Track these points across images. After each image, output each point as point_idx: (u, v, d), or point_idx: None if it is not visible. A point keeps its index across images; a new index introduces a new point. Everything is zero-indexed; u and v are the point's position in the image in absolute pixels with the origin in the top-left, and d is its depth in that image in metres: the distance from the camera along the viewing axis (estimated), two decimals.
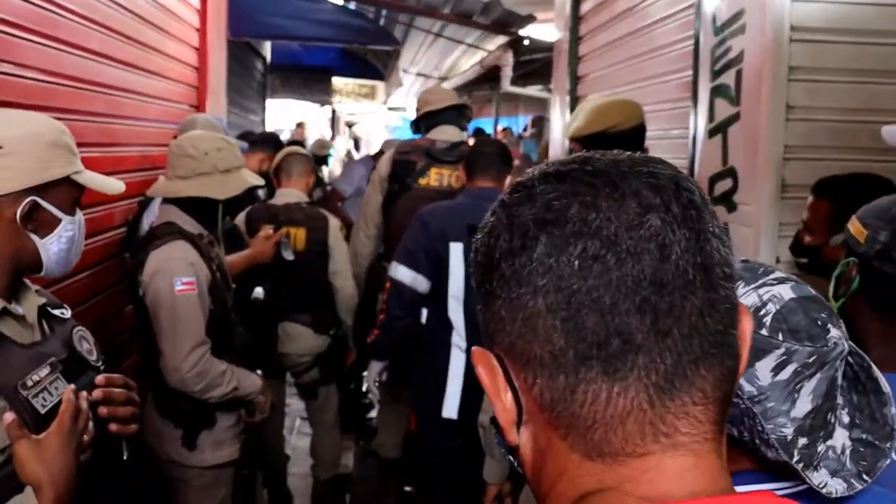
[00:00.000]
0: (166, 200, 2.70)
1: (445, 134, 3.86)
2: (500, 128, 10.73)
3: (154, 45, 3.90)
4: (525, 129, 12.30)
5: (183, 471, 2.65)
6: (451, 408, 3.13)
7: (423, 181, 3.76)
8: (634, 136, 2.43)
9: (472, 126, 12.69)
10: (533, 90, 7.71)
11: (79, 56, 2.91)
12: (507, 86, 6.65)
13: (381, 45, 7.49)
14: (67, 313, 1.60)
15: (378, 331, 3.25)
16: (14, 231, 1.44)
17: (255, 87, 7.98)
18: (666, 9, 3.25)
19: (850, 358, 1.06)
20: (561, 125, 4.95)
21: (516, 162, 8.77)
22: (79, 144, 1.57)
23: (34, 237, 1.46)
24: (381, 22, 8.03)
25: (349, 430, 4.97)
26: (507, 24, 5.91)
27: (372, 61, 10.84)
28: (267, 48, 8.65)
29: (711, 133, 2.75)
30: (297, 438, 5.44)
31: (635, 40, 3.63)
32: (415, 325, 3.22)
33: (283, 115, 12.26)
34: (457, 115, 4.00)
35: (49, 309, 1.56)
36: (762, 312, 1.01)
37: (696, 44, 2.87)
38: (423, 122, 3.99)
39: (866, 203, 1.89)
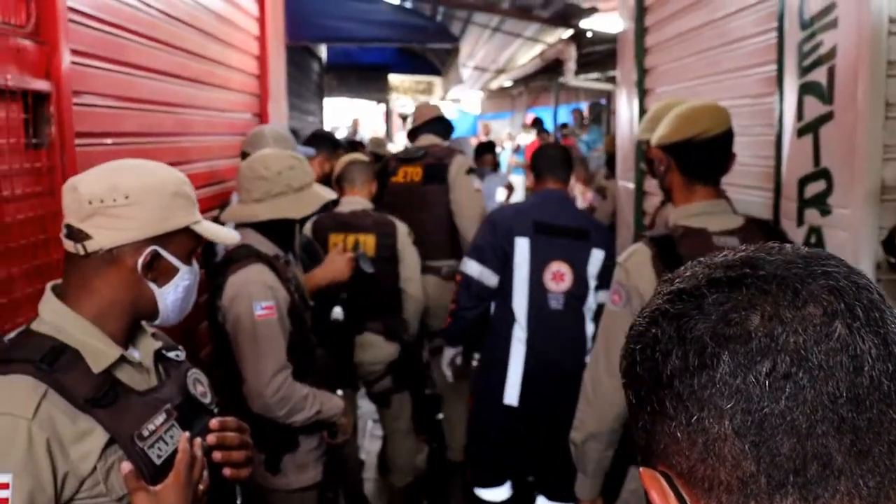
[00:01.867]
0: (241, 223, 2.68)
1: (425, 141, 4.72)
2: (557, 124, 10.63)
3: (217, 58, 3.89)
4: (576, 112, 12.13)
5: (267, 495, 2.63)
6: (511, 396, 3.29)
7: (393, 178, 4.60)
8: (724, 142, 2.32)
9: (530, 115, 12.65)
10: (592, 80, 7.57)
11: (146, 77, 2.91)
12: (570, 79, 6.52)
13: (439, 42, 7.41)
14: (182, 355, 1.61)
15: (450, 318, 3.55)
16: (135, 280, 1.44)
17: (312, 88, 7.98)
18: (743, 0, 3.11)
19: None
20: (628, 117, 4.82)
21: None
22: None
23: (153, 286, 1.47)
24: (439, 18, 7.95)
25: (421, 431, 4.95)
26: (568, 16, 5.79)
27: (429, 58, 10.77)
28: (322, 49, 8.64)
29: (801, 132, 2.62)
30: (370, 442, 5.44)
31: (708, 32, 3.49)
32: (485, 316, 3.49)
33: (338, 113, 12.32)
34: (440, 124, 4.83)
35: (165, 352, 1.57)
36: None
37: (781, 37, 2.74)
38: (414, 132, 4.84)
39: None
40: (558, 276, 3.30)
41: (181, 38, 3.29)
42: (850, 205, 2.36)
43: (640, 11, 4.49)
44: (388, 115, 15.47)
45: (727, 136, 2.30)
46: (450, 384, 4.17)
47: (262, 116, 4.92)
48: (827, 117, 2.46)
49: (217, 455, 1.49)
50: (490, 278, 3.35)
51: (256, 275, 2.51)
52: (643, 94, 4.57)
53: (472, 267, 3.39)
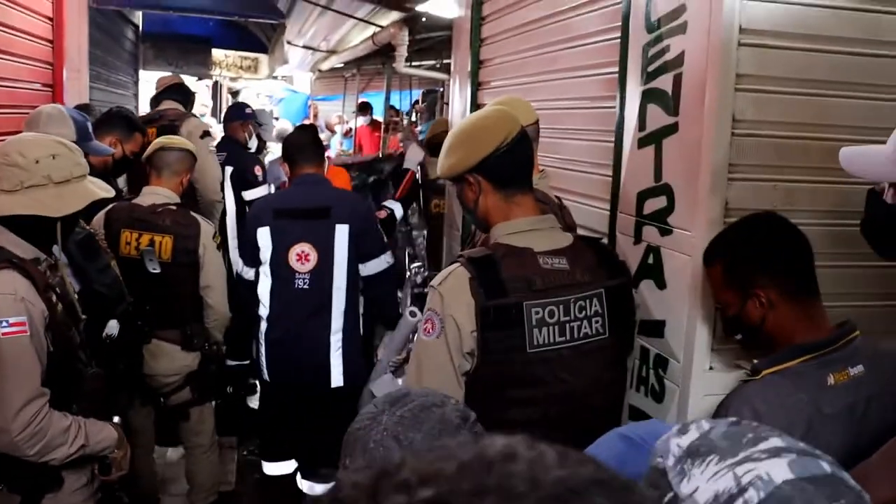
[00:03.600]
0: None
1: (164, 106, 5.08)
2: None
3: None
4: (416, 104, 11.90)
5: None
6: (265, 371, 3.51)
7: None
8: (527, 139, 2.09)
9: (359, 100, 12.29)
10: (425, 68, 7.31)
11: None
12: (401, 67, 6.20)
13: (264, 17, 6.94)
14: None
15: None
16: None
17: (125, 58, 7.25)
18: None
19: None
20: (461, 109, 4.58)
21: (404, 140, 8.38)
22: None
23: None
24: None
25: (228, 435, 4.56)
26: None
27: (255, 31, 10.17)
28: (138, 15, 7.90)
29: (642, 143, 2.43)
30: (173, 451, 4.95)
31: (549, 26, 3.28)
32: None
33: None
34: (179, 92, 5.23)
35: None
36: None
37: (625, 38, 2.54)
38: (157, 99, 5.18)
39: (752, 245, 1.84)
40: (302, 257, 3.40)
41: None
42: (692, 226, 2.19)
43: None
44: (216, 90, 14.66)
45: (525, 135, 2.07)
46: None
47: (55, 87, 4.31)
48: (671, 129, 2.27)
49: None
50: (249, 273, 3.52)
51: (3, 285, 2.05)
52: (477, 86, 4.33)
53: (238, 264, 3.60)
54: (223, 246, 3.72)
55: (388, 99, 10.15)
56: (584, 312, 1.95)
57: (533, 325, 1.89)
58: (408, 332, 3.24)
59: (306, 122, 11.85)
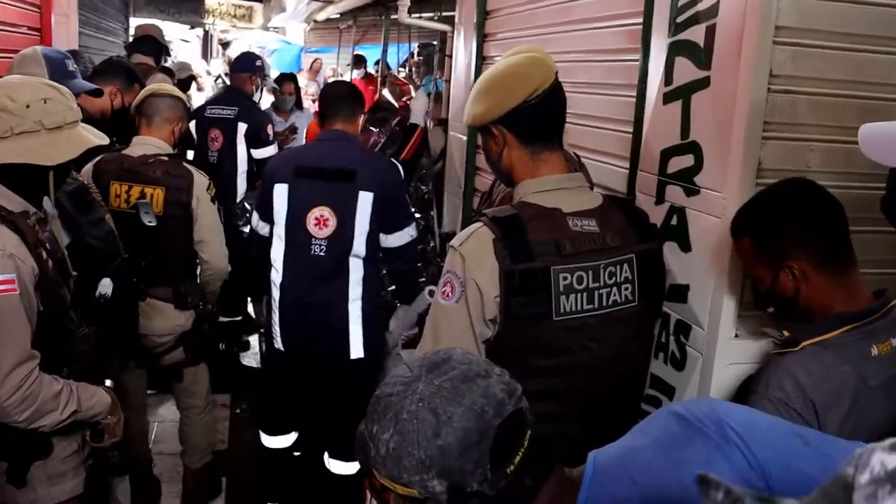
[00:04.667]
0: None
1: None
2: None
3: None
4: (411, 57, 11.63)
5: None
6: (277, 339, 3.29)
7: None
8: (558, 93, 1.93)
9: (358, 52, 12.02)
10: (426, 19, 7.11)
11: None
12: (404, 16, 6.01)
13: None
14: None
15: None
16: None
17: (115, 4, 7.02)
18: None
19: None
20: (465, 62, 4.43)
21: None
22: None
23: None
24: None
25: (221, 392, 4.48)
26: None
27: None
28: None
29: (668, 98, 2.31)
30: (165, 408, 4.87)
31: None
32: None
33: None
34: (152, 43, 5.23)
35: None
36: None
37: None
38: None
39: (781, 217, 1.74)
40: (321, 222, 3.17)
41: None
42: (723, 187, 2.07)
43: None
44: (206, 39, 14.35)
45: (558, 87, 1.93)
46: None
47: (43, 31, 4.13)
48: (701, 83, 2.15)
49: None
50: (265, 228, 3.29)
51: None
52: (483, 38, 4.18)
53: (254, 217, 3.37)
54: (218, 198, 3.55)
55: (385, 52, 9.92)
56: (613, 279, 1.84)
57: (560, 291, 1.77)
58: (424, 308, 3.13)
59: (299, 75, 11.59)
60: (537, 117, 1.88)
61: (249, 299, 3.64)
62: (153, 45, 5.18)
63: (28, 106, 1.98)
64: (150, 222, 3.11)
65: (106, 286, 2.64)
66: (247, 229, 3.78)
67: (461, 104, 4.47)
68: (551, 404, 1.83)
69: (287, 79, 6.72)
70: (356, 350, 3.24)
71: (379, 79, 10.24)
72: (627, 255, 1.86)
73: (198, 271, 3.55)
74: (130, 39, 7.53)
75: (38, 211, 2.11)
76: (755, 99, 1.98)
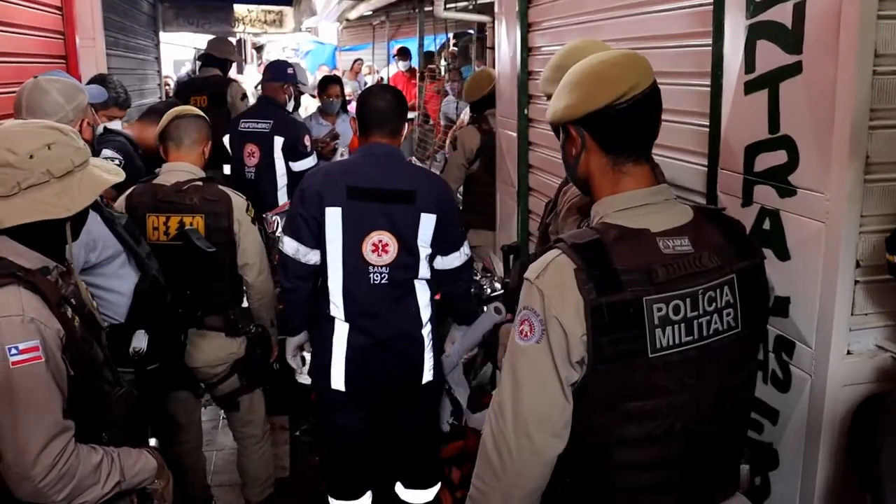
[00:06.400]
0: None
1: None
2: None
3: None
4: (442, 48, 11.36)
5: None
6: (337, 379, 2.97)
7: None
8: (654, 100, 1.69)
9: (393, 45, 11.82)
10: (462, 10, 6.86)
11: None
12: (440, 10, 5.78)
13: None
14: None
15: (281, 304, 3.13)
16: None
17: (143, 20, 6.90)
18: None
19: None
20: (509, 54, 4.19)
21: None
22: None
23: None
24: None
25: (278, 413, 4.32)
26: None
27: None
28: None
29: (751, 87, 2.05)
30: (223, 435, 4.74)
31: None
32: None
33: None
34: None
35: None
36: None
37: None
38: None
39: None
40: (380, 248, 2.89)
41: None
42: (825, 186, 1.82)
43: None
44: (240, 45, 14.28)
45: (656, 93, 1.68)
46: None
47: (68, 58, 3.98)
48: (792, 70, 1.89)
49: None
50: (308, 255, 2.94)
51: (8, 306, 1.75)
52: (528, 28, 3.93)
53: (287, 244, 2.96)
54: (257, 219, 3.38)
55: (421, 45, 9.68)
56: (713, 305, 1.60)
57: (655, 324, 1.54)
58: (488, 328, 2.91)
59: (335, 73, 11.43)
60: (625, 124, 1.64)
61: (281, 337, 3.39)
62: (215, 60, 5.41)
63: (32, 156, 1.79)
64: (208, 248, 2.97)
65: (140, 340, 2.46)
66: None
67: (509, 98, 4.25)
68: (651, 451, 1.61)
69: (331, 81, 6.48)
70: (427, 375, 3.05)
71: (419, 73, 10.03)
72: (728, 277, 1.62)
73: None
74: (161, 55, 7.44)
75: (60, 264, 1.93)
76: (859, 84, 1.72)
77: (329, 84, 6.33)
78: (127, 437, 2.03)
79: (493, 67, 4.92)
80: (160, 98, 8.10)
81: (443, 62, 10.78)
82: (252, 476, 3.60)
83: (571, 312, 1.53)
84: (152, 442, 2.20)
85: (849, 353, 1.87)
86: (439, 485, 3.28)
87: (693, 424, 1.62)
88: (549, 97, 2.51)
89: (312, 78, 9.98)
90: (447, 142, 6.67)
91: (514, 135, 4.11)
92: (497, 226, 4.65)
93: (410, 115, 10.41)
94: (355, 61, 12.44)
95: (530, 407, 1.58)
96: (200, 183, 3.18)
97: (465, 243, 3.11)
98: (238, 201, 3.21)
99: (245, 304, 3.46)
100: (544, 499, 1.69)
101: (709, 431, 1.65)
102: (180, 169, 3.19)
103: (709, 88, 2.25)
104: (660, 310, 1.54)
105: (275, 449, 3.94)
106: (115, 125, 4.16)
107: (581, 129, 1.68)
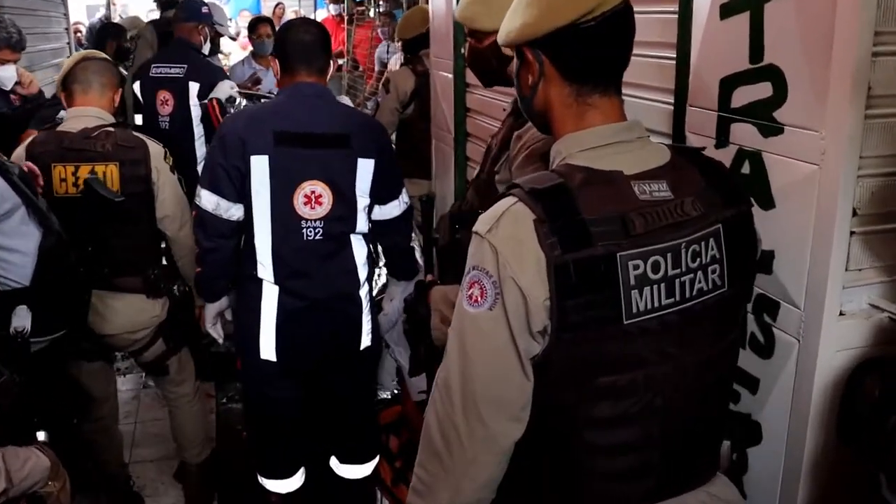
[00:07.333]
0: None
1: None
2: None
3: None
4: None
5: None
6: (267, 349, 2.69)
7: None
8: (626, 19, 1.41)
9: None
10: None
11: None
12: None
13: None
14: None
15: (198, 267, 2.80)
16: None
17: None
18: None
19: None
20: None
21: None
22: None
23: None
24: None
25: (203, 379, 4.05)
26: None
27: None
28: None
29: (727, 11, 1.79)
30: (143, 406, 4.43)
31: None
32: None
33: None
34: None
35: None
36: None
37: None
38: None
39: None
40: (312, 199, 2.61)
41: None
42: (820, 123, 1.57)
43: None
44: None
45: (628, 11, 1.40)
46: None
47: None
48: None
49: None
50: (230, 210, 2.64)
51: None
52: None
53: (205, 198, 2.64)
54: (176, 168, 3.07)
55: None
56: (698, 261, 1.34)
57: (631, 284, 1.26)
58: (412, 292, 2.68)
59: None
60: (591, 47, 1.36)
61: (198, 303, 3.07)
62: None
63: None
64: (116, 198, 2.70)
65: (23, 317, 2.11)
66: None
67: (444, 36, 3.94)
68: (626, 432, 1.36)
69: (260, 21, 6.17)
70: (365, 340, 2.80)
71: (346, 17, 9.59)
72: (713, 227, 1.36)
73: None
74: None
75: None
76: (863, 2, 1.47)
77: (259, 24, 6.03)
78: (11, 435, 1.72)
79: (427, 4, 4.60)
80: (67, 43, 7.55)
81: (372, 4, 10.31)
82: (189, 438, 3.39)
83: (531, 272, 1.25)
84: (41, 436, 1.88)
85: (841, 313, 1.65)
86: (378, 457, 3.04)
87: (674, 400, 1.38)
88: (470, 30, 2.22)
89: (234, 24, 9.47)
90: (380, 85, 6.41)
91: (450, 76, 3.83)
92: (433, 174, 4.38)
93: (339, 61, 9.98)
94: (276, 6, 11.93)
95: (482, 386, 1.31)
96: (112, 129, 2.90)
97: (404, 191, 2.84)
98: (155, 148, 2.95)
99: (165, 262, 3.18)
100: (501, 490, 1.43)
101: (691, 407, 1.41)
102: (88, 114, 2.91)
103: (675, 15, 1.99)
104: (636, 267, 1.28)
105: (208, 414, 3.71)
106: (9, 69, 3.78)
107: (539, 52, 1.40)
